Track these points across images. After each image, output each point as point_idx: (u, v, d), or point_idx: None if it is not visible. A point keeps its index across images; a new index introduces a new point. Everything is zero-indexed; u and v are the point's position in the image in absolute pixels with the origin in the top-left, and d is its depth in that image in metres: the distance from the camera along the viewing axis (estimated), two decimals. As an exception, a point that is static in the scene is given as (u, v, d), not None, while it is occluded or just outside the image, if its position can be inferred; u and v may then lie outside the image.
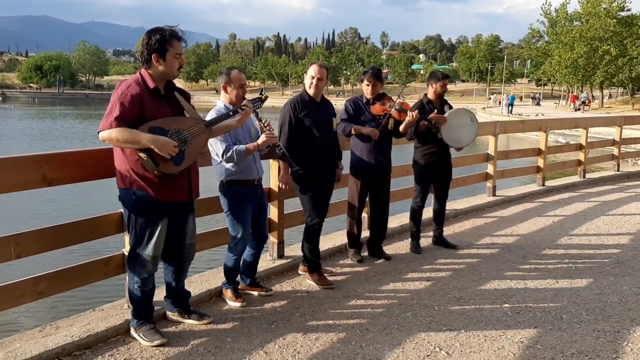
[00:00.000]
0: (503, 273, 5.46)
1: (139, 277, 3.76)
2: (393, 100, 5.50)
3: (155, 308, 4.05)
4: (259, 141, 4.25)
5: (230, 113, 3.90)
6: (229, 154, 4.16)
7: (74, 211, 10.83)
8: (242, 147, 4.20)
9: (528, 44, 67.47)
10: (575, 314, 4.46)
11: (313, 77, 4.86)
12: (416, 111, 5.57)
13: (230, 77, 4.30)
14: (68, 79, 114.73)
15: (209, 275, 4.93)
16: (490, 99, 59.81)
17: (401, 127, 5.56)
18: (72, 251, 4.52)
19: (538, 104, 62.55)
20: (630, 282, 5.25)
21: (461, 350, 3.81)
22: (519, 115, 41.93)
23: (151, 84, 3.57)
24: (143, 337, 3.78)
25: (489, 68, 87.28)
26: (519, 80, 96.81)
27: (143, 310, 3.85)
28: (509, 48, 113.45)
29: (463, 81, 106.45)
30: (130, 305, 3.95)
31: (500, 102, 52.70)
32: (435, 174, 6.11)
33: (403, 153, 7.18)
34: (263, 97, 4.21)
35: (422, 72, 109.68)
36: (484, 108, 56.60)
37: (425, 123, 5.76)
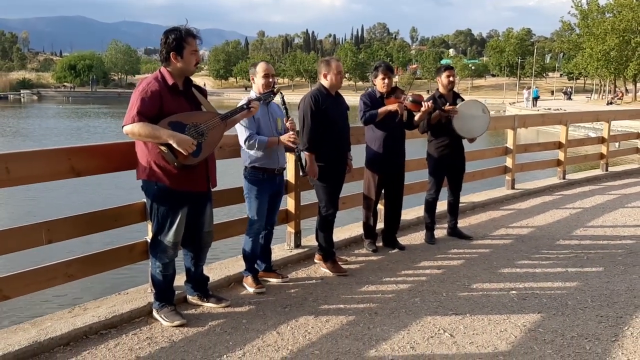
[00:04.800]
0: (514, 262, 5.60)
1: (161, 262, 4.02)
2: (405, 93, 5.67)
3: (176, 292, 4.32)
4: (282, 139, 4.55)
5: (244, 107, 4.14)
6: (251, 142, 4.49)
7: (103, 200, 11.22)
8: (264, 138, 4.52)
9: (560, 37, 66.51)
10: (580, 300, 4.60)
11: (339, 73, 5.12)
12: (430, 101, 5.74)
13: (256, 68, 4.69)
14: (101, 77, 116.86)
15: (228, 263, 5.18)
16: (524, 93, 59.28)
17: (416, 117, 5.75)
18: (101, 238, 4.79)
19: (569, 98, 61.73)
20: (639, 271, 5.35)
21: (464, 333, 3.99)
22: (547, 109, 41.46)
23: (170, 81, 3.82)
24: (164, 318, 4.04)
25: (519, 62, 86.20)
26: (550, 74, 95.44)
27: (164, 293, 4.12)
28: (541, 41, 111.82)
29: (493, 75, 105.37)
30: (152, 289, 4.21)
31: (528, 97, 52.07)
32: (448, 167, 6.26)
33: (421, 147, 7.32)
34: (275, 89, 4.48)
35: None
36: (513, 103, 56.07)
37: (438, 113, 5.92)
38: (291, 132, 4.55)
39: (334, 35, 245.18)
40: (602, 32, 47.92)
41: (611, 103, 48.59)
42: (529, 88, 56.81)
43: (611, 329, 4.06)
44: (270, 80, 4.63)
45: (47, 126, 38.68)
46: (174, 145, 3.67)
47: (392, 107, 5.50)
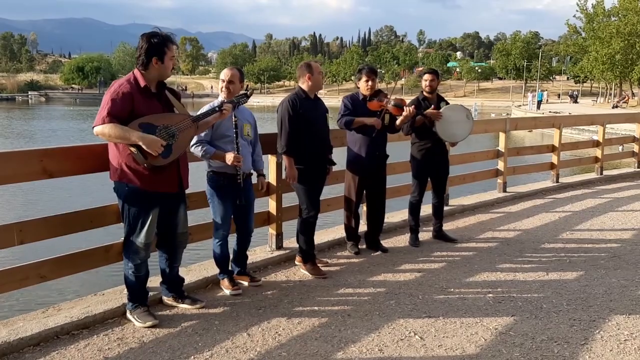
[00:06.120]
0: (495, 266, 5.59)
1: (133, 263, 4.06)
2: (388, 97, 5.69)
3: (151, 293, 4.35)
4: (228, 157, 4.44)
5: (216, 109, 4.18)
6: (197, 148, 4.49)
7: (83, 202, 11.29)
8: (212, 149, 4.50)
9: (566, 40, 66.31)
10: (556, 303, 4.59)
11: (320, 73, 5.19)
12: (412, 106, 5.75)
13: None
14: (109, 79, 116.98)
15: (207, 265, 5.19)
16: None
17: (397, 122, 5.76)
18: (82, 239, 4.83)
19: (576, 102, 61.45)
20: (620, 275, 5.33)
21: (435, 335, 3.99)
22: (555, 112, 41.36)
23: (142, 83, 3.86)
24: (137, 318, 4.07)
25: (525, 65, 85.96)
26: (557, 77, 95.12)
27: (137, 294, 4.15)
28: (549, 44, 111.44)
29: (500, 78, 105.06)
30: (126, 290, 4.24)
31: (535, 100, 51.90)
32: (432, 169, 6.27)
33: (408, 149, 7.34)
34: (248, 92, 4.49)
35: (457, 69, 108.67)
36: (519, 106, 55.97)
37: (421, 117, 5.94)
38: (238, 155, 4.45)
39: (341, 38, 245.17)
40: (608, 35, 47.83)
41: (617, 106, 48.36)
42: (534, 91, 56.72)
43: (582, 332, 4.05)
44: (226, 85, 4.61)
45: (51, 128, 38.91)
46: (143, 146, 3.71)
47: (368, 120, 5.53)
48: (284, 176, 5.42)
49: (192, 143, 4.46)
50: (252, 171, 4.84)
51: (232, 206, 4.67)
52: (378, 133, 5.61)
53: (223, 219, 4.65)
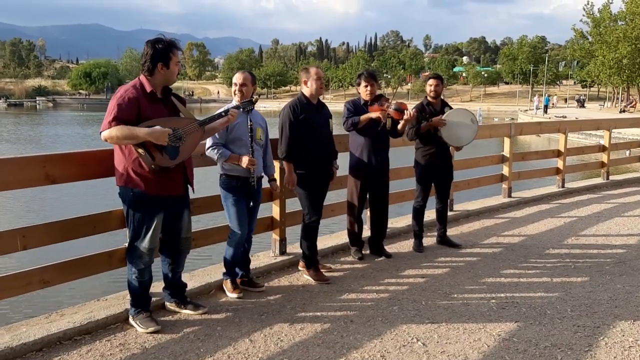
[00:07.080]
0: (499, 271, 5.57)
1: (137, 268, 4.06)
2: (389, 101, 5.68)
3: (154, 298, 4.35)
4: (244, 160, 4.50)
5: (222, 114, 4.20)
6: (214, 151, 4.54)
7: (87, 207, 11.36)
8: (227, 152, 4.54)
9: (573, 44, 66.21)
10: (560, 309, 4.56)
11: (319, 79, 5.13)
12: (413, 110, 5.74)
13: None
14: (116, 85, 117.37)
15: (211, 270, 5.20)
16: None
17: (399, 126, 5.75)
18: (85, 245, 4.84)
19: (582, 106, 61.25)
20: (625, 280, 5.29)
21: (437, 342, 3.98)
22: (563, 117, 41.21)
23: (148, 88, 3.89)
24: (139, 324, 4.08)
25: (532, 70, 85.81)
26: (564, 82, 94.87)
27: (140, 299, 4.15)
28: (556, 49, 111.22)
29: (507, 83, 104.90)
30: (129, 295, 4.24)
31: (542, 104, 51.76)
32: (436, 174, 6.26)
33: (411, 154, 7.33)
34: (254, 99, 4.53)
35: (464, 74, 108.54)
36: (525, 110, 55.85)
37: (427, 124, 5.94)
38: (253, 158, 4.51)
39: (347, 43, 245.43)
40: (614, 40, 47.70)
41: (624, 111, 48.17)
42: (541, 95, 56.62)
43: (586, 339, 4.03)
44: (238, 88, 4.64)
45: (57, 133, 39.10)
46: (153, 140, 3.72)
47: (374, 114, 5.50)
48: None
49: (207, 146, 4.53)
50: (262, 174, 4.88)
51: (247, 208, 4.70)
52: (378, 139, 5.61)
53: (240, 221, 4.66)
